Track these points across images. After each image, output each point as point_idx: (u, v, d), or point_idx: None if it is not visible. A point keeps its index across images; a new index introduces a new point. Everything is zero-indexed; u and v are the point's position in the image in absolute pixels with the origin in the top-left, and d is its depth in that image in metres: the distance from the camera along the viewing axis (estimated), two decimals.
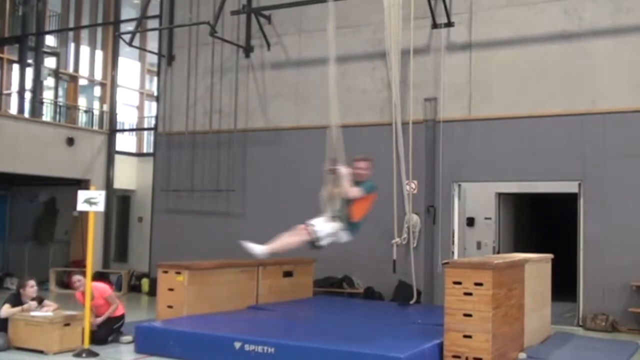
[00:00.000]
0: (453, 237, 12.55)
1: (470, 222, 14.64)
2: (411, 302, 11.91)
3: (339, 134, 8.57)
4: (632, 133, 11.22)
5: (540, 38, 12.00)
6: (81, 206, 8.33)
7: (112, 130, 17.61)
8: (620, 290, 11.07)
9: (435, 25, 12.72)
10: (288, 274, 11.89)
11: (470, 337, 7.27)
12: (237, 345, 7.65)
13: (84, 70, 18.71)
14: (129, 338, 8.80)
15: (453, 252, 12.48)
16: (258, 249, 7.84)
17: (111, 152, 17.30)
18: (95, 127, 18.00)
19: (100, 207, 8.28)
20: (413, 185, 12.43)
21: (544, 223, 17.01)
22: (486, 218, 14.73)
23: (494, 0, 12.40)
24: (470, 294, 7.32)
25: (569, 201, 12.14)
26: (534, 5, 12.07)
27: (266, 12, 14.30)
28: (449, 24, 12.58)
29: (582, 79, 11.65)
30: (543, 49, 11.98)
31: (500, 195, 14.84)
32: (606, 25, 11.55)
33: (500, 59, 12.31)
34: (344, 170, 8.03)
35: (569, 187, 11.81)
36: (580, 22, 11.72)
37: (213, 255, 12.29)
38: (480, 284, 7.29)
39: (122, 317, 9.08)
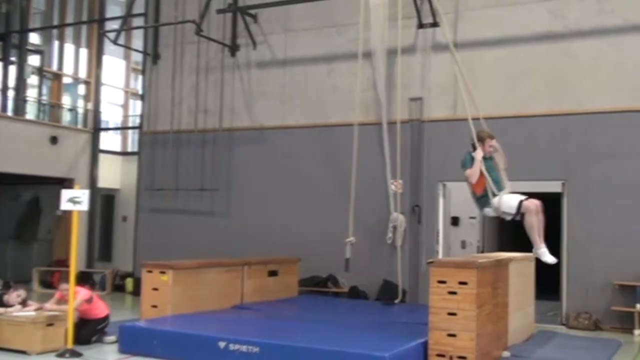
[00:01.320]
0: (438, 236, 12.60)
1: (455, 221, 14.68)
2: (396, 301, 11.93)
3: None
4: (616, 133, 11.31)
5: (526, 38, 12.06)
6: (65, 205, 8.27)
7: (97, 129, 17.51)
8: (603, 289, 11.15)
9: (421, 25, 12.76)
10: (273, 273, 11.88)
11: (454, 335, 7.30)
12: (222, 344, 7.63)
13: (68, 69, 18.57)
14: (112, 338, 8.75)
15: (438, 252, 12.53)
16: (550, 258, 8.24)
17: (95, 151, 17.20)
18: (80, 126, 17.87)
19: (84, 206, 8.23)
20: (398, 185, 12.45)
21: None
22: (471, 217, 14.76)
23: (479, 0, 12.45)
24: (454, 293, 7.34)
25: (553, 201, 12.20)
26: (519, 6, 12.13)
27: (252, 11, 14.27)
28: (435, 24, 12.62)
29: (566, 80, 11.73)
30: (528, 49, 12.04)
31: None
32: (590, 26, 11.63)
33: (485, 59, 12.35)
34: (496, 145, 8.49)
35: (553, 186, 11.87)
36: (565, 22, 11.79)
37: (198, 255, 12.27)
38: (465, 283, 7.32)
39: (106, 317, 9.01)
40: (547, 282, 12.00)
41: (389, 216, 12.55)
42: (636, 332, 10.68)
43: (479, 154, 8.33)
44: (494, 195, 8.28)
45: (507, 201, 8.25)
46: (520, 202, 8.16)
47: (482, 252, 14.34)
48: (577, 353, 8.76)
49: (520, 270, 9.37)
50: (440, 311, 7.39)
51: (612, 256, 11.12)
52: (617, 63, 11.40)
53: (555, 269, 11.72)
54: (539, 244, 8.21)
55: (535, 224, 8.12)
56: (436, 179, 12.56)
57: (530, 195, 8.44)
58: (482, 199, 8.35)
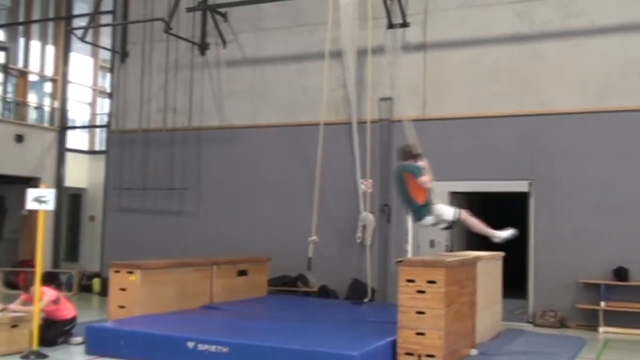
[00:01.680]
0: (407, 235, 12.67)
1: None
2: (365, 300, 11.98)
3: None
4: (581, 134, 11.49)
5: (493, 40, 12.19)
6: (30, 205, 8.14)
7: (63, 128, 17.29)
8: (568, 287, 11.32)
9: (390, 26, 12.83)
10: (242, 272, 11.84)
11: (423, 334, 7.34)
12: (190, 345, 7.58)
13: (34, 66, 18.26)
14: (79, 339, 8.64)
15: (407, 251, 12.60)
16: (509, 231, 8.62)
17: (62, 149, 16.98)
18: (46, 124, 17.60)
19: (50, 205, 8.12)
20: (368, 184, 12.50)
21: (495, 222, 17.26)
22: None
23: (448, 1, 12.55)
24: (423, 292, 7.39)
25: (520, 200, 12.35)
26: (487, 8, 12.26)
27: (222, 10, 14.21)
28: (405, 25, 12.70)
29: (533, 81, 11.88)
30: (496, 50, 12.18)
31: (453, 194, 15.00)
32: (556, 28, 11.80)
33: (454, 59, 12.47)
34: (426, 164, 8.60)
35: (520, 186, 12.01)
36: (532, 25, 11.95)
37: (166, 254, 12.18)
38: (433, 282, 7.37)
39: (73, 319, 8.88)
40: (515, 280, 12.13)
41: (359, 215, 12.59)
42: (601, 329, 10.86)
43: (422, 164, 8.48)
44: (433, 204, 8.41)
45: (445, 210, 8.55)
46: (456, 209, 8.56)
47: (451, 251, 14.42)
48: (543, 350, 8.87)
49: (487, 269, 9.47)
50: (409, 310, 7.44)
51: (577, 255, 11.29)
52: (583, 65, 11.58)
53: (522, 267, 11.92)
54: (492, 232, 8.58)
55: (476, 221, 8.60)
56: None
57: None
58: (424, 208, 8.38)
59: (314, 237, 11.57)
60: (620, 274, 10.94)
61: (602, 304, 10.95)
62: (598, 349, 9.42)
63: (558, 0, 11.78)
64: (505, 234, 8.54)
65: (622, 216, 11.11)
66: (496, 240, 8.55)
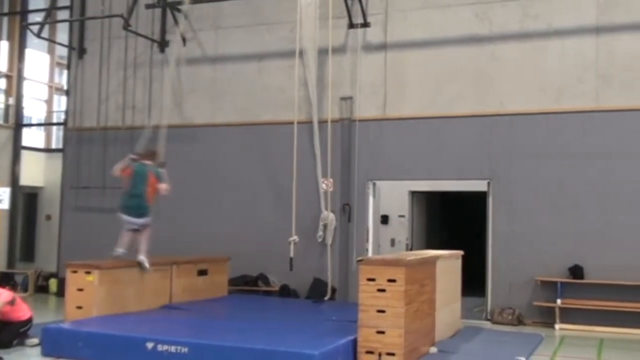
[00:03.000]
0: (368, 234, 12.73)
1: (385, 219, 14.87)
2: (325, 298, 11.99)
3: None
4: (538, 134, 11.68)
5: (453, 40, 12.32)
6: None
7: (18, 125, 16.92)
8: (525, 285, 11.51)
9: (351, 25, 12.86)
10: (202, 272, 11.74)
11: (383, 332, 7.38)
12: (150, 345, 7.50)
13: None
14: (35, 341, 8.47)
15: (367, 249, 12.67)
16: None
17: (17, 147, 16.60)
18: (0, 122, 17.22)
19: (4, 204, 7.99)
20: (329, 183, 12.52)
21: (455, 221, 17.47)
22: (400, 216, 14.98)
23: (408, 2, 12.64)
24: (383, 291, 7.43)
25: (479, 199, 12.52)
26: (446, 8, 12.38)
27: (182, 7, 14.05)
28: (365, 24, 12.75)
29: (491, 81, 12.04)
30: (455, 51, 12.30)
31: (413, 193, 15.15)
32: (515, 30, 11.98)
33: (414, 60, 12.56)
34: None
35: (479, 185, 12.17)
36: (491, 26, 12.10)
37: (125, 255, 12.00)
38: (394, 281, 7.42)
39: (29, 320, 8.71)
40: (474, 278, 12.29)
41: (320, 214, 12.60)
42: (557, 326, 11.07)
43: (165, 172, 10.10)
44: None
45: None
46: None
47: (411, 249, 14.57)
48: (501, 347, 9.00)
49: (447, 267, 9.56)
50: (369, 308, 7.47)
51: (534, 253, 11.49)
52: (540, 66, 11.78)
53: (481, 265, 12.08)
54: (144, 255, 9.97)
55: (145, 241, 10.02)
56: (366, 177, 12.69)
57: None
58: (149, 209, 9.94)
59: (294, 237, 11.60)
60: (576, 272, 11.16)
61: (559, 301, 11.15)
62: (554, 346, 9.59)
63: (516, 3, 11.96)
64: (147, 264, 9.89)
65: (577, 215, 11.33)
66: (139, 260, 9.90)
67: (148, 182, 9.85)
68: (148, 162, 10.07)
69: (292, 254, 11.64)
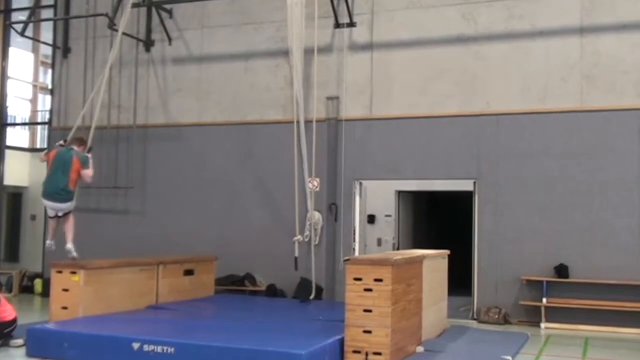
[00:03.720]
0: (354, 234, 12.74)
1: (371, 219, 14.92)
2: (310, 297, 11.99)
3: None
4: (523, 134, 11.75)
5: (438, 40, 12.35)
6: None
7: (2, 124, 16.78)
8: (511, 284, 11.57)
9: (337, 25, 12.87)
10: (189, 272, 11.71)
11: (370, 332, 7.39)
12: (136, 345, 7.46)
13: None
14: (19, 341, 8.40)
15: (354, 249, 12.68)
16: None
17: (1, 147, 16.46)
18: None
19: None
20: (315, 183, 12.52)
21: (441, 220, 17.54)
22: (386, 215, 15.03)
23: (394, 2, 12.66)
24: (370, 290, 7.44)
25: (465, 199, 12.57)
26: (432, 9, 12.41)
27: (167, 6, 14.03)
28: (351, 24, 12.76)
29: (477, 81, 12.09)
30: (441, 51, 12.34)
31: (399, 193, 15.19)
32: (500, 30, 12.03)
33: (400, 59, 12.59)
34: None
35: (465, 185, 12.23)
36: (476, 26, 12.15)
37: (111, 254, 11.96)
38: (380, 280, 7.43)
39: (13, 321, 8.62)
40: (460, 278, 12.33)
41: (307, 214, 12.60)
42: (543, 325, 11.14)
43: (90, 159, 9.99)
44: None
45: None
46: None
47: (397, 249, 14.62)
48: (487, 346, 9.04)
49: (433, 266, 9.59)
50: (356, 308, 7.48)
51: (520, 252, 11.55)
52: (525, 66, 11.84)
53: (468, 265, 12.13)
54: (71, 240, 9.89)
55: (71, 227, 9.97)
56: (352, 177, 12.70)
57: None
58: (73, 193, 9.83)
59: (298, 237, 11.60)
60: (561, 271, 11.23)
61: (544, 300, 11.22)
62: (540, 344, 9.65)
63: (501, 3, 12.01)
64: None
65: (562, 214, 11.40)
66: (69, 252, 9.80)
67: (72, 168, 9.72)
68: (75, 148, 10.00)
69: (297, 253, 11.62)
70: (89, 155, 10.04)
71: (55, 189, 9.69)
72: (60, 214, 9.87)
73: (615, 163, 11.25)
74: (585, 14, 11.52)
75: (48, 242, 10.19)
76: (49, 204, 9.84)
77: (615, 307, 10.85)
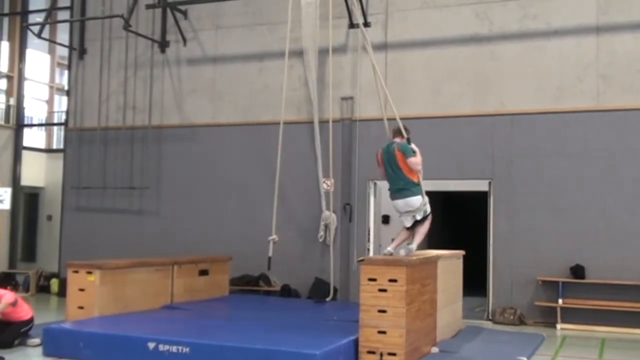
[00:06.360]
0: (369, 234, 12.73)
1: (386, 219, 14.84)
2: (327, 299, 12.00)
3: None
4: (537, 134, 11.68)
5: (453, 40, 12.32)
6: None
7: (20, 125, 16.95)
8: (526, 284, 11.51)
9: (352, 25, 12.87)
10: (203, 272, 11.76)
11: (384, 332, 7.39)
12: (151, 345, 7.51)
13: None
14: (36, 341, 8.49)
15: (368, 249, 12.67)
16: None
17: (18, 147, 16.64)
18: (1, 122, 17.23)
19: (6, 204, 8.00)
20: (330, 183, 12.52)
21: (456, 220, 17.48)
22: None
23: (408, 1, 12.64)
24: (384, 291, 7.44)
25: (480, 199, 12.51)
26: (446, 8, 12.38)
27: (182, 7, 14.09)
28: (366, 24, 12.74)
29: (491, 81, 12.04)
30: (455, 50, 12.30)
31: None
32: (515, 29, 11.98)
33: (414, 59, 12.56)
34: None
35: (480, 185, 12.17)
36: (491, 26, 12.10)
37: (126, 254, 12.04)
38: (395, 281, 7.42)
39: (30, 320, 8.71)
40: (475, 278, 12.28)
41: (321, 214, 12.60)
42: (558, 326, 11.07)
43: (415, 147, 8.58)
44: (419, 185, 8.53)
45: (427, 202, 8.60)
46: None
47: None
48: (503, 347, 9.01)
49: (448, 267, 9.57)
50: (370, 308, 7.48)
51: (535, 253, 11.49)
52: (539, 66, 11.77)
53: (482, 265, 12.08)
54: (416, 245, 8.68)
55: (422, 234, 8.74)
56: (367, 177, 12.68)
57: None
58: (418, 187, 8.54)
59: (274, 236, 11.53)
60: (577, 271, 11.16)
61: (560, 301, 11.15)
62: (556, 346, 9.59)
63: (516, 3, 11.95)
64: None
65: (577, 215, 11.33)
66: (406, 248, 8.59)
67: (398, 161, 8.63)
68: (400, 141, 8.81)
69: (270, 253, 11.48)
70: (412, 144, 8.71)
71: (396, 188, 8.62)
72: (418, 216, 8.62)
73: (631, 163, 11.16)
74: (601, 12, 11.44)
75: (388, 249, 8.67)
76: (397, 202, 8.65)
77: (632, 308, 10.77)
